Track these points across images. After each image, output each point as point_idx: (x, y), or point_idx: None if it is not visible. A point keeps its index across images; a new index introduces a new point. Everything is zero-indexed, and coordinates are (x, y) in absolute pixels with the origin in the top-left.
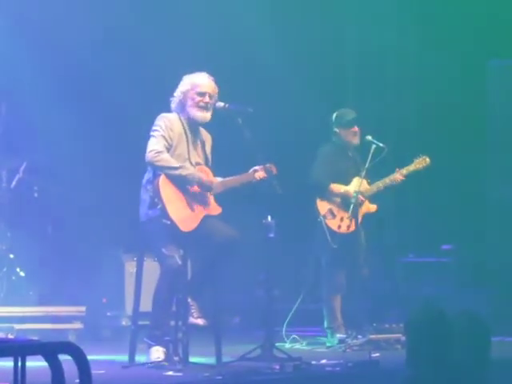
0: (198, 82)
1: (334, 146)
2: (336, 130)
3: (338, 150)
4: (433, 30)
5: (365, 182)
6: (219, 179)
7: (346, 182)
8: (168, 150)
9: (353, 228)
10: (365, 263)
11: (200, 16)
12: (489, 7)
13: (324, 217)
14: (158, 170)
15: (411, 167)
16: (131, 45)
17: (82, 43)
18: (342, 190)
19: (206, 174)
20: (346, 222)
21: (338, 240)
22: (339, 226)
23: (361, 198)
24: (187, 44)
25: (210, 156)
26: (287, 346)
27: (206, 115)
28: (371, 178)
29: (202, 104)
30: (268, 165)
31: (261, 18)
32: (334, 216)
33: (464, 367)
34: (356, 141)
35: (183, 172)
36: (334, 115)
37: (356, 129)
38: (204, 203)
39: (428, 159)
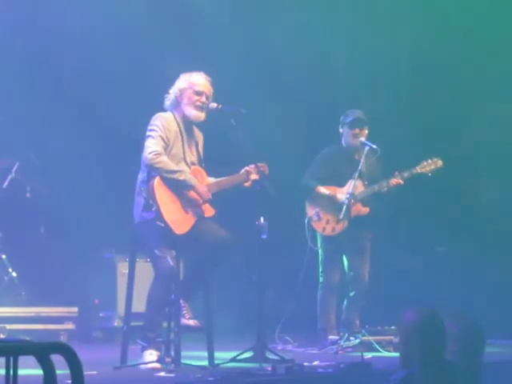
0: (196, 81)
1: (336, 148)
2: (340, 130)
3: (341, 152)
4: (430, 30)
5: (360, 184)
6: (212, 180)
7: (344, 185)
8: (165, 150)
9: (338, 231)
10: (361, 264)
11: (198, 15)
12: (487, 7)
13: (310, 219)
14: (155, 171)
15: (415, 170)
16: (130, 47)
17: (79, 45)
18: (327, 193)
19: (200, 176)
20: (332, 224)
21: (324, 242)
22: (324, 229)
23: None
24: (185, 42)
25: (202, 154)
26: (279, 347)
27: (201, 115)
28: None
29: (198, 104)
30: (260, 164)
31: (257, 18)
32: (319, 218)
33: (457, 369)
34: (356, 143)
35: (180, 176)
36: (342, 116)
37: (357, 131)
38: (198, 206)
39: (441, 162)
